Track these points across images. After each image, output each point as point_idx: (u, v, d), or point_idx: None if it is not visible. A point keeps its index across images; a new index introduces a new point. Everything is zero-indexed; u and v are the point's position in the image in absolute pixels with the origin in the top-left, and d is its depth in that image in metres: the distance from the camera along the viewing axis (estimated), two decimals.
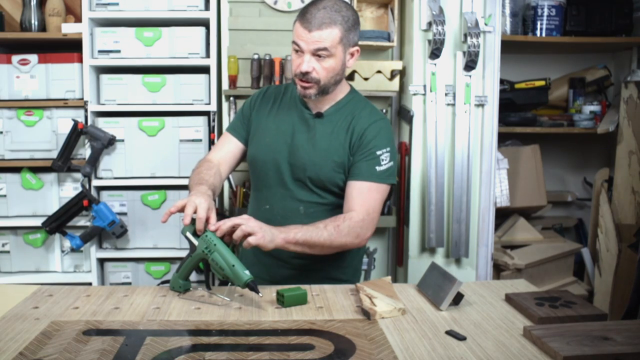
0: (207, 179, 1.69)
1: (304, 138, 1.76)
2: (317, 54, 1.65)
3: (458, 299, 1.45)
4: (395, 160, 1.78)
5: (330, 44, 1.64)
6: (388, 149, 1.73)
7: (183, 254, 2.47)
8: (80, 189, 2.49)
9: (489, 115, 2.42)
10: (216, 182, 1.73)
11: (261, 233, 1.51)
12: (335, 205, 1.76)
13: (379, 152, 1.71)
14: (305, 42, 1.64)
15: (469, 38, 2.30)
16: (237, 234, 1.49)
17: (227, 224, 1.50)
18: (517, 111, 3.02)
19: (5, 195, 2.56)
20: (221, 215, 2.50)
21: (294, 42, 1.67)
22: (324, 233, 1.61)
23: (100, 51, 2.50)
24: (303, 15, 1.66)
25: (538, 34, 2.95)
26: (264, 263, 1.78)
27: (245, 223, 1.50)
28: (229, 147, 1.84)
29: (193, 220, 1.55)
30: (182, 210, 1.53)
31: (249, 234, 1.49)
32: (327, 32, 1.63)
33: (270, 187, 1.78)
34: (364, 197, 1.69)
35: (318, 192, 1.76)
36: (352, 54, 1.72)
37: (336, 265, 1.81)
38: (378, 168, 1.71)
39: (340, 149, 1.74)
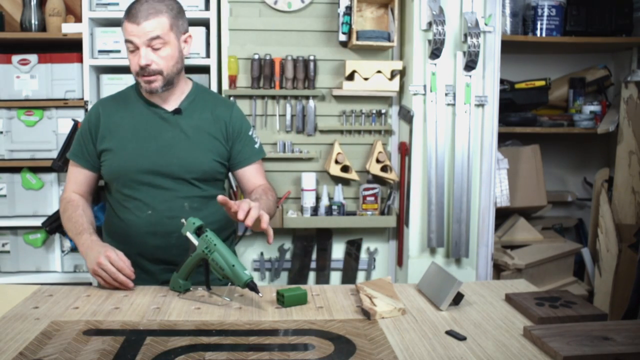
0: (82, 222, 1.74)
1: (170, 137, 1.78)
2: (151, 44, 1.69)
3: (458, 299, 1.45)
4: None
5: (162, 32, 1.70)
6: (252, 127, 1.96)
7: None
8: None
9: (489, 115, 2.42)
10: (89, 218, 1.78)
11: (266, 215, 1.55)
12: (214, 195, 1.72)
13: (250, 133, 1.91)
14: (137, 36, 1.69)
15: (469, 38, 2.30)
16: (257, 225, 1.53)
17: (253, 211, 1.50)
18: (517, 111, 3.02)
19: (5, 195, 2.56)
20: None
21: (127, 42, 1.71)
22: (271, 204, 1.76)
23: (100, 51, 2.50)
24: (128, 12, 1.70)
25: (538, 34, 2.95)
26: (152, 269, 1.80)
27: (261, 214, 1.53)
28: (84, 179, 1.85)
29: (193, 220, 1.55)
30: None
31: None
32: (155, 22, 1.69)
33: (146, 192, 1.77)
34: (261, 172, 1.93)
35: (200, 186, 1.80)
36: (185, 41, 1.80)
37: (226, 241, 1.85)
38: (255, 146, 1.91)
39: (213, 139, 1.82)
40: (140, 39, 1.69)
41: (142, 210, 1.77)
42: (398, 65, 2.52)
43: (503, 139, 3.03)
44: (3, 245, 2.59)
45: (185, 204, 1.78)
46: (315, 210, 2.57)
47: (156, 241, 1.76)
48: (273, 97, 2.56)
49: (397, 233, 2.65)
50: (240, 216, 1.49)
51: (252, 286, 1.43)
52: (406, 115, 2.49)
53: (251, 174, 1.90)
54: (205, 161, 1.80)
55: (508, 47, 2.64)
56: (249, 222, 1.49)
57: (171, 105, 1.82)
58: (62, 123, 2.54)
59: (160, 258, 1.77)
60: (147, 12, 1.68)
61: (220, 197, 1.52)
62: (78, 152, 1.84)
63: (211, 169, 1.82)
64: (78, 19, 2.62)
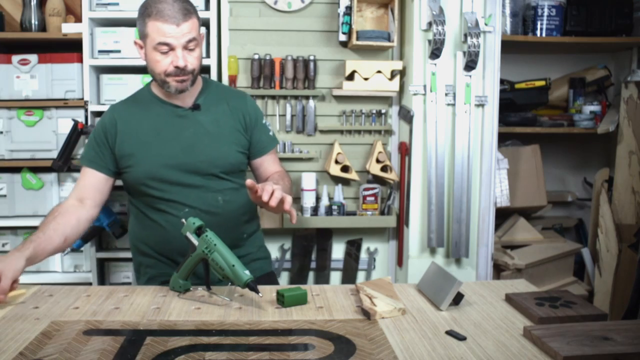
0: (35, 236, 1.61)
1: (192, 133, 1.78)
2: (187, 46, 1.68)
3: (458, 299, 1.45)
4: None
5: (196, 33, 1.71)
6: (263, 115, 1.97)
7: None
8: None
9: (489, 115, 2.42)
10: (60, 224, 1.66)
11: (289, 197, 1.57)
12: (240, 186, 1.82)
13: (264, 121, 1.93)
14: (174, 38, 1.66)
15: (469, 38, 2.30)
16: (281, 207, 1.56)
17: (276, 193, 1.54)
18: (517, 111, 3.02)
19: (5, 195, 2.56)
20: None
21: (160, 44, 1.66)
22: (288, 190, 1.77)
23: (100, 51, 2.50)
24: (159, 13, 1.65)
25: (538, 34, 2.95)
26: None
27: (284, 195, 1.55)
28: (93, 181, 1.79)
29: (193, 220, 1.55)
30: None
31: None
32: (190, 23, 1.69)
33: (180, 191, 1.77)
34: (276, 160, 1.97)
35: (230, 178, 1.82)
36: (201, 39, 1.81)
37: (256, 246, 1.93)
38: (270, 134, 1.94)
39: (235, 131, 1.83)
40: (179, 40, 1.66)
41: (178, 209, 1.77)
42: (398, 65, 2.52)
43: (503, 139, 3.03)
44: (3, 245, 2.59)
45: (219, 198, 1.79)
46: (315, 210, 2.57)
47: None
48: (273, 97, 2.56)
49: (397, 233, 2.65)
50: (265, 197, 1.52)
51: (252, 286, 1.43)
52: (406, 115, 2.49)
53: (269, 162, 1.93)
54: (230, 154, 1.81)
55: (508, 47, 2.64)
56: (273, 202, 1.52)
57: (187, 102, 1.81)
58: (62, 123, 2.53)
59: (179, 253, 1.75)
60: (182, 13, 1.66)
61: (248, 181, 1.56)
62: (93, 158, 1.80)
63: (237, 161, 1.84)
64: (78, 19, 2.62)
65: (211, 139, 1.79)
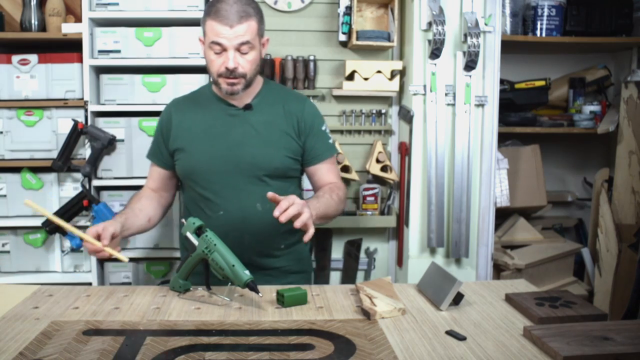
0: (124, 210, 1.77)
1: (241, 133, 1.76)
2: (240, 48, 1.67)
3: (458, 299, 1.45)
4: None
5: (251, 37, 1.67)
6: (325, 122, 1.89)
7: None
8: (80, 189, 2.50)
9: (489, 115, 2.42)
10: (144, 205, 1.80)
11: (308, 211, 1.52)
12: (286, 194, 1.72)
13: (323, 128, 1.85)
14: (227, 39, 1.65)
15: (469, 38, 2.30)
16: (296, 225, 1.50)
17: (290, 210, 1.48)
18: (517, 111, 3.02)
19: (5, 195, 2.56)
20: None
21: (213, 43, 1.67)
22: (333, 203, 1.72)
23: (100, 51, 2.50)
24: (216, 13, 1.65)
25: (538, 34, 2.95)
26: None
27: (301, 212, 1.50)
28: (158, 176, 1.88)
29: (193, 220, 1.55)
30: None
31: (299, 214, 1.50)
32: (246, 26, 1.66)
33: (219, 192, 1.76)
34: (333, 170, 1.88)
35: (272, 184, 1.76)
36: (263, 44, 1.77)
37: (295, 259, 1.86)
38: (329, 142, 1.86)
39: (285, 135, 1.78)
40: (231, 42, 1.65)
41: (214, 210, 1.76)
42: (398, 65, 2.52)
43: (503, 139, 3.03)
44: (3, 245, 2.59)
45: (258, 205, 1.74)
46: None
47: (228, 242, 1.69)
48: None
49: (397, 233, 2.65)
50: (275, 213, 1.48)
51: (252, 286, 1.43)
52: (406, 115, 2.49)
53: (323, 172, 1.85)
54: (276, 157, 1.76)
55: (508, 47, 2.64)
56: (283, 219, 1.48)
57: (242, 101, 1.79)
58: (62, 123, 2.53)
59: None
60: (239, 15, 1.64)
61: (269, 194, 1.52)
62: (154, 152, 1.88)
63: (282, 165, 1.78)
64: (78, 19, 2.62)
65: (258, 140, 1.75)
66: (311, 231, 1.51)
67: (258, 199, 1.73)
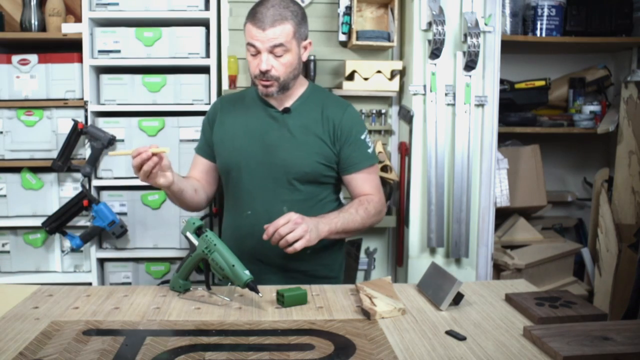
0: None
1: (277, 136, 1.77)
2: (273, 51, 1.67)
3: (458, 299, 1.45)
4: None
5: (285, 40, 1.67)
6: (366, 130, 1.83)
7: (183, 254, 2.47)
8: (80, 189, 2.50)
9: (489, 115, 2.42)
10: (191, 180, 1.83)
11: (307, 236, 1.53)
12: (316, 200, 1.77)
13: (362, 137, 1.80)
14: (260, 42, 1.66)
15: (469, 38, 2.30)
16: (282, 244, 1.52)
17: (275, 237, 1.52)
18: (517, 111, 3.02)
19: (5, 195, 2.56)
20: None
21: (248, 45, 1.69)
22: (357, 217, 1.70)
23: (100, 51, 2.50)
24: (253, 15, 1.67)
25: (538, 34, 2.95)
26: (249, 268, 1.78)
27: (291, 230, 1.52)
28: (202, 168, 1.89)
29: (193, 221, 1.55)
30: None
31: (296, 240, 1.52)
32: (280, 29, 1.66)
33: (249, 191, 1.77)
34: (371, 180, 1.81)
35: (301, 188, 1.76)
36: (305, 47, 1.77)
37: (324, 264, 1.83)
38: (369, 151, 1.81)
39: (319, 140, 1.76)
40: (264, 44, 1.66)
41: (243, 209, 1.78)
42: (398, 65, 2.52)
43: (503, 139, 3.03)
44: (3, 245, 2.59)
45: (284, 208, 1.73)
46: None
47: (253, 242, 1.72)
48: None
49: (397, 233, 2.65)
50: (264, 236, 1.52)
51: (252, 286, 1.43)
52: (406, 115, 2.49)
53: (358, 182, 1.80)
54: (307, 162, 1.75)
55: (508, 47, 2.64)
56: (273, 242, 1.52)
57: (282, 104, 1.80)
58: (62, 123, 2.53)
59: (257, 258, 1.74)
60: (273, 18, 1.65)
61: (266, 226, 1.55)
62: (201, 145, 1.90)
63: (313, 171, 1.75)
64: (78, 19, 2.62)
65: (292, 144, 1.75)
66: (296, 246, 1.53)
67: (285, 202, 1.74)
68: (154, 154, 1.54)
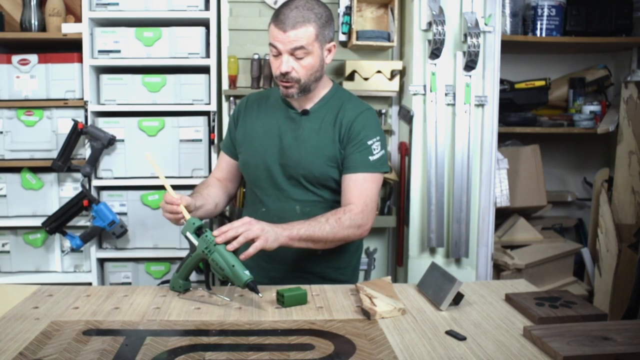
0: (197, 192, 1.80)
1: (292, 137, 1.77)
2: (294, 53, 1.66)
3: (458, 299, 1.45)
4: (386, 149, 1.80)
5: (307, 42, 1.66)
6: (378, 137, 1.75)
7: (183, 254, 2.46)
8: (80, 189, 2.49)
9: (489, 115, 2.42)
10: (212, 192, 1.83)
11: (264, 236, 1.51)
12: (331, 202, 1.77)
13: (369, 142, 1.73)
14: (281, 43, 1.66)
15: (469, 38, 2.30)
16: (239, 241, 1.49)
17: (230, 232, 1.49)
18: (517, 111, 3.02)
19: (5, 195, 2.56)
20: (221, 216, 2.50)
21: (270, 45, 1.69)
22: (326, 227, 1.62)
23: (100, 51, 2.50)
24: (276, 17, 1.67)
25: (538, 34, 2.95)
26: (262, 267, 1.78)
27: (247, 229, 1.50)
28: (226, 166, 1.92)
29: (193, 221, 1.55)
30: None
31: (252, 240, 1.50)
32: (302, 31, 1.65)
33: (264, 189, 1.79)
34: (361, 188, 1.71)
35: (313, 190, 1.76)
36: (329, 50, 1.75)
37: (335, 266, 1.82)
38: (371, 158, 1.72)
39: (330, 143, 1.75)
40: (285, 46, 1.65)
41: (258, 206, 1.80)
42: (398, 65, 2.52)
43: (503, 139, 3.03)
44: (3, 245, 2.59)
45: (297, 207, 1.75)
46: None
47: None
48: None
49: (397, 233, 2.65)
50: (219, 239, 1.49)
51: (252, 286, 1.43)
52: (406, 115, 2.49)
53: (348, 185, 1.72)
54: (317, 164, 1.73)
55: (508, 47, 2.64)
56: (220, 240, 1.48)
57: (302, 106, 1.79)
58: (62, 123, 2.54)
59: (270, 255, 1.69)
60: (295, 20, 1.64)
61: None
62: (226, 143, 1.92)
63: (321, 174, 1.74)
64: (78, 19, 2.62)
65: (305, 146, 1.75)
66: (248, 251, 1.49)
67: (297, 202, 1.76)
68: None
